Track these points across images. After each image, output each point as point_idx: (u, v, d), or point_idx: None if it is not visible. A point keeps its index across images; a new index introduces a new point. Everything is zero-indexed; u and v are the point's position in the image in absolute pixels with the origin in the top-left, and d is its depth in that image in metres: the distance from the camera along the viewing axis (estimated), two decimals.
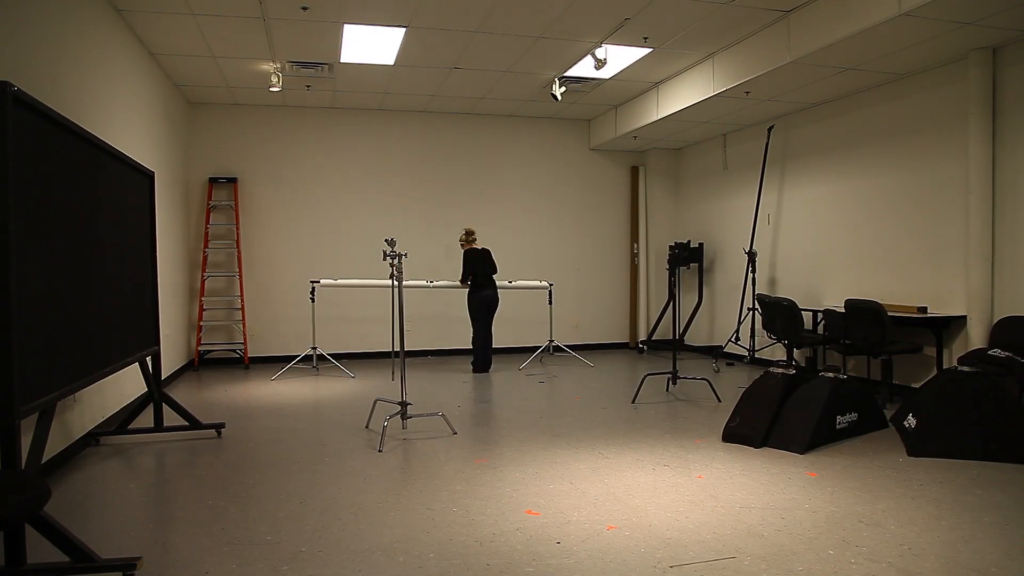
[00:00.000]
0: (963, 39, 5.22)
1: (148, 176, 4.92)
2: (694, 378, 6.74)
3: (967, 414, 4.35)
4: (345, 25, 5.92)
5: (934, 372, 5.82)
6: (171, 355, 7.06)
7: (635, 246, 9.98)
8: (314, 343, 7.99)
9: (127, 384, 5.46)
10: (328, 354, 8.16)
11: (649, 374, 6.64)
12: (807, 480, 3.84)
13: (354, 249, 8.75)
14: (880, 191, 6.48)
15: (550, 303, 8.56)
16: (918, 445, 4.33)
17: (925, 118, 6.09)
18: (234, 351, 8.48)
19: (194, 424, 4.97)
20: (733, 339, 8.29)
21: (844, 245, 7.02)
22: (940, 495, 3.57)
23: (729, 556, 2.82)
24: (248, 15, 5.65)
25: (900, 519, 3.23)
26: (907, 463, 4.17)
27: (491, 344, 7.88)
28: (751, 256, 7.74)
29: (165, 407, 4.94)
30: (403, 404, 5.06)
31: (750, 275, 7.80)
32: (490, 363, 7.89)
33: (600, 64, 6.52)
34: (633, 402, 5.94)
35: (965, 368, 4.60)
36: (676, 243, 9.27)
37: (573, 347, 8.72)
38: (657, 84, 7.80)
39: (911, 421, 4.60)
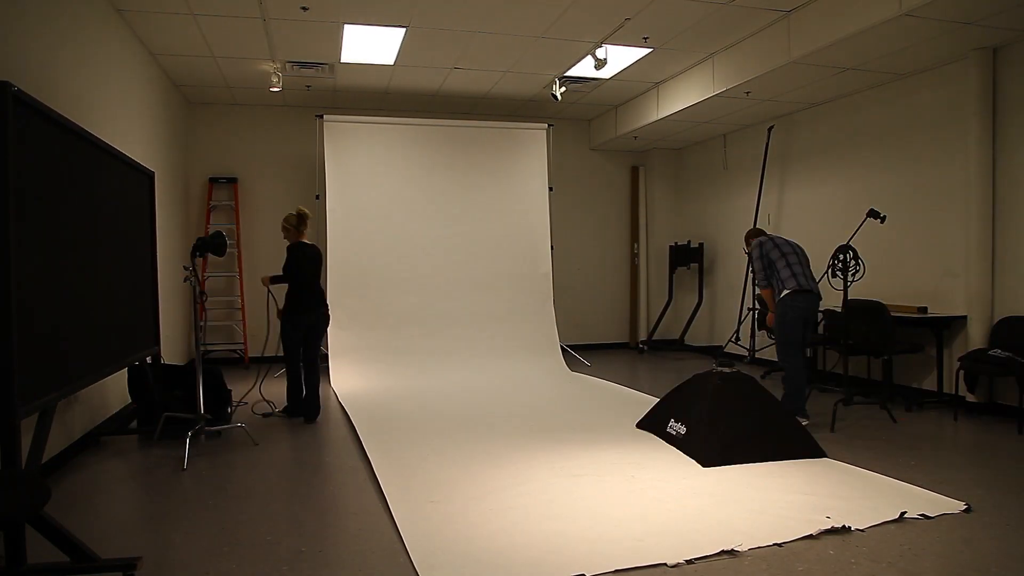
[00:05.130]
0: (963, 39, 5.22)
1: (148, 176, 4.92)
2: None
3: (741, 417, 4.25)
4: (345, 25, 5.92)
5: (934, 372, 5.83)
6: (171, 355, 7.05)
7: (635, 246, 9.98)
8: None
9: (127, 384, 5.45)
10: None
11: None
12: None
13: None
14: (880, 191, 6.48)
15: None
16: (706, 455, 4.12)
17: (925, 118, 6.09)
18: (234, 351, 8.48)
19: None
20: (733, 339, 8.29)
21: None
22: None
23: (729, 555, 2.82)
24: (248, 15, 5.65)
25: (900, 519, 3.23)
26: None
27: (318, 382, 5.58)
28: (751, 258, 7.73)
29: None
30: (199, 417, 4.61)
31: (751, 275, 7.81)
32: (318, 409, 5.54)
33: (600, 64, 6.52)
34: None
35: (724, 369, 4.46)
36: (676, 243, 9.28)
37: (573, 347, 8.72)
38: (657, 84, 7.80)
39: (679, 428, 4.48)
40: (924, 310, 5.83)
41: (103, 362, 3.78)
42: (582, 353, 8.67)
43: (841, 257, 5.34)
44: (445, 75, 7.45)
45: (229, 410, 5.15)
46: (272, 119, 8.65)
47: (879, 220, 5.41)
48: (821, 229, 7.31)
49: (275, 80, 7.07)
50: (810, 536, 3.00)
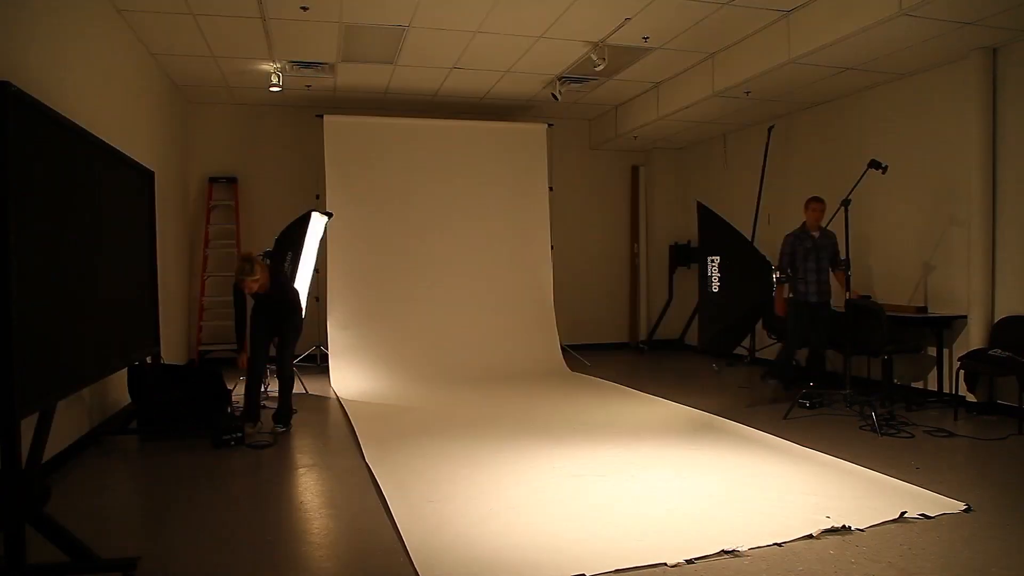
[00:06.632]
0: (963, 39, 5.22)
1: (148, 176, 4.92)
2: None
3: None
4: (345, 25, 5.92)
5: (934, 372, 5.83)
6: (171, 355, 7.05)
7: (635, 246, 9.98)
8: (318, 341, 7.99)
9: (127, 384, 5.45)
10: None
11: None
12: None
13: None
14: (880, 191, 6.47)
15: None
16: None
17: (925, 118, 6.09)
18: (234, 351, 8.46)
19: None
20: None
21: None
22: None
23: (729, 555, 2.82)
24: (248, 15, 5.65)
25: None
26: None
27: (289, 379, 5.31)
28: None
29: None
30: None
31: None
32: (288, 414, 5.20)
33: (600, 64, 6.52)
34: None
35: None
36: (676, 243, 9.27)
37: (573, 347, 8.72)
38: (657, 84, 7.80)
39: None
40: (924, 310, 5.83)
41: (103, 362, 3.77)
42: (582, 353, 8.66)
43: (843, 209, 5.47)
44: (445, 75, 7.45)
45: (229, 410, 5.15)
46: (272, 119, 8.65)
47: (881, 171, 5.42)
48: None
49: (275, 80, 7.07)
50: (810, 536, 3.00)
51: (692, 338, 9.44)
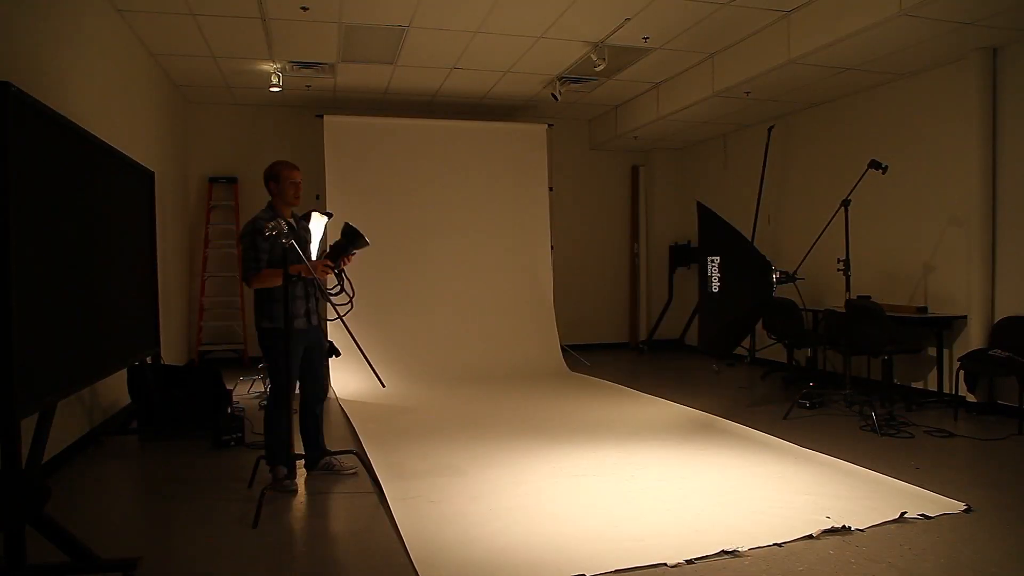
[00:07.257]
0: (963, 39, 5.22)
1: (148, 176, 4.92)
2: None
3: None
4: (345, 25, 5.92)
5: (934, 372, 5.83)
6: (171, 355, 7.05)
7: (635, 246, 9.98)
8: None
9: (127, 384, 5.45)
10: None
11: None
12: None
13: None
14: (880, 191, 6.47)
15: None
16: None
17: (925, 118, 6.09)
18: (234, 351, 8.47)
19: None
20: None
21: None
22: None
23: (729, 555, 2.82)
24: (248, 15, 5.65)
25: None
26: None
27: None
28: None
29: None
30: None
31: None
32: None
33: (600, 64, 6.52)
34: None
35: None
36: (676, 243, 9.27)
37: (573, 347, 8.72)
38: (657, 84, 7.80)
39: None
40: (924, 310, 5.83)
41: (103, 362, 3.77)
42: (582, 353, 8.66)
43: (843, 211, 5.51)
44: (445, 75, 7.45)
45: (229, 411, 5.15)
46: (272, 119, 8.65)
47: (881, 171, 5.43)
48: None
49: (275, 80, 7.07)
50: (810, 536, 3.00)
51: (692, 338, 9.44)
